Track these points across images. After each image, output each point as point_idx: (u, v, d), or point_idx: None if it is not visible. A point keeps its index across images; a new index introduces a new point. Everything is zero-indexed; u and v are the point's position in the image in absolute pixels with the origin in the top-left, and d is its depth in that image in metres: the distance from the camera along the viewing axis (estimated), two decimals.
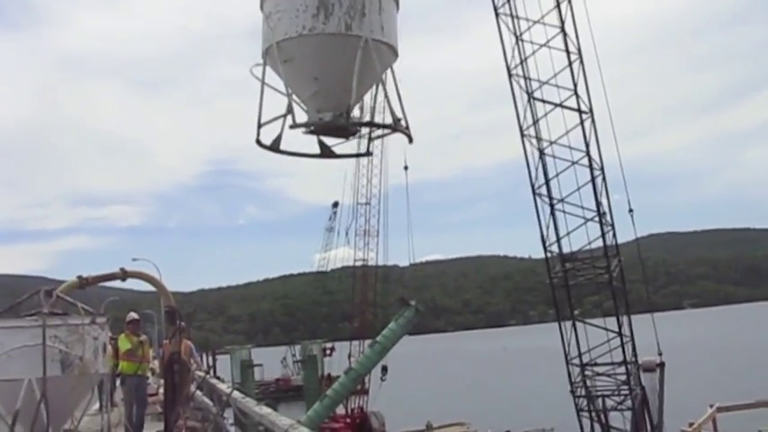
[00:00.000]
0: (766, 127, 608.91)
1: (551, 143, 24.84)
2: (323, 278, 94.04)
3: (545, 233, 24.98)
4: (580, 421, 25.72)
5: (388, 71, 9.75)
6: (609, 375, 25.27)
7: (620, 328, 24.94)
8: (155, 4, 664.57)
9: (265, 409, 9.36)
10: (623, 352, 24.92)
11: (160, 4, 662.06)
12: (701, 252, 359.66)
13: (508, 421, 50.63)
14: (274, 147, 9.36)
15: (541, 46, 24.53)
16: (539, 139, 24.94)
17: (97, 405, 18.27)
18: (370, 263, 57.83)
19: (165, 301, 13.87)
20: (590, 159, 24.49)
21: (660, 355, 26.14)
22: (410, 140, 9.76)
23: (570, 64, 24.40)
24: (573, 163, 24.56)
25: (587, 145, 24.47)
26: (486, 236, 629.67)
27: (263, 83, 9.45)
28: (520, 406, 68.45)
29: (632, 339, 25.13)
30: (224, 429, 13.83)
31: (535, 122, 24.89)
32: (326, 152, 9.55)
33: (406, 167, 53.78)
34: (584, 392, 25.33)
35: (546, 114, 24.87)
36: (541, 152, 24.79)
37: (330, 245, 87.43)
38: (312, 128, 9.51)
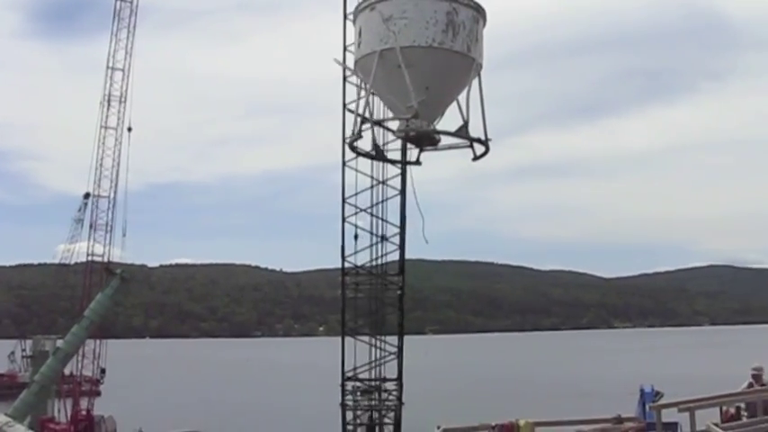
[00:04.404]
0: (512, 170, 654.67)
1: (362, 155, 24.05)
2: (65, 271, 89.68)
3: (345, 245, 24.75)
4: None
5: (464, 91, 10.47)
6: (383, 391, 25.77)
7: (401, 344, 25.44)
8: None
9: None
10: (399, 368, 25.41)
11: None
12: (447, 281, 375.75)
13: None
14: (351, 143, 9.45)
15: None
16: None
17: None
18: (108, 258, 55.55)
19: None
20: (403, 175, 24.36)
21: None
22: (475, 156, 9.99)
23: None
24: (380, 182, 24.26)
25: (403, 165, 23.84)
26: (238, 245, 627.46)
27: (369, 81, 9.38)
28: (260, 417, 68.48)
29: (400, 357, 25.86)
30: None
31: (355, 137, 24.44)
32: (380, 155, 9.79)
33: (129, 129, 51.59)
34: (350, 405, 25.66)
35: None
36: (344, 163, 24.29)
37: (77, 237, 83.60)
38: (412, 133, 9.74)
